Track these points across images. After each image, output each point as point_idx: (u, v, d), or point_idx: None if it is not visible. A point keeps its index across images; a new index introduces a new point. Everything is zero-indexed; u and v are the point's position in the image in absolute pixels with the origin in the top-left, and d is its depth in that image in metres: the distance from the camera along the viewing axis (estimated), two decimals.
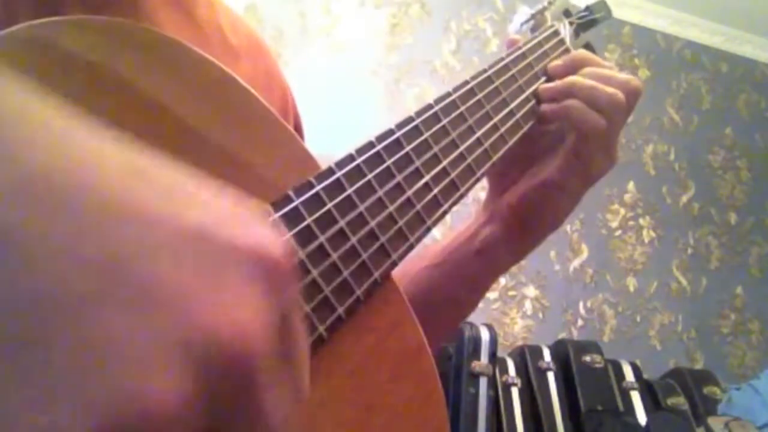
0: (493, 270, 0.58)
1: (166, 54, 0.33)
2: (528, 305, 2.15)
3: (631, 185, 2.43)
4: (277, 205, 0.34)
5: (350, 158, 0.39)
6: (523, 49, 0.56)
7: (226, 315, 0.19)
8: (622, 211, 2.40)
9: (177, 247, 0.19)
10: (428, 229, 0.42)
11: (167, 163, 0.21)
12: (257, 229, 0.22)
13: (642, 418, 1.69)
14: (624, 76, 0.53)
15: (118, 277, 0.17)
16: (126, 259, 0.18)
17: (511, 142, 0.51)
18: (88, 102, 0.30)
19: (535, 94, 0.55)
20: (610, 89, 0.51)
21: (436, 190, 0.43)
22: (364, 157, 0.39)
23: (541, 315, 2.16)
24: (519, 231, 0.56)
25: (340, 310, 0.35)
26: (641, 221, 2.42)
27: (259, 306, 0.20)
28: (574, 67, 0.55)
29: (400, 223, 0.40)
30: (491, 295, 2.08)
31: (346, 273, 0.36)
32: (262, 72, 0.52)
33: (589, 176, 0.54)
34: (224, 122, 0.35)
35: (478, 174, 0.47)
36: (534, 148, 0.56)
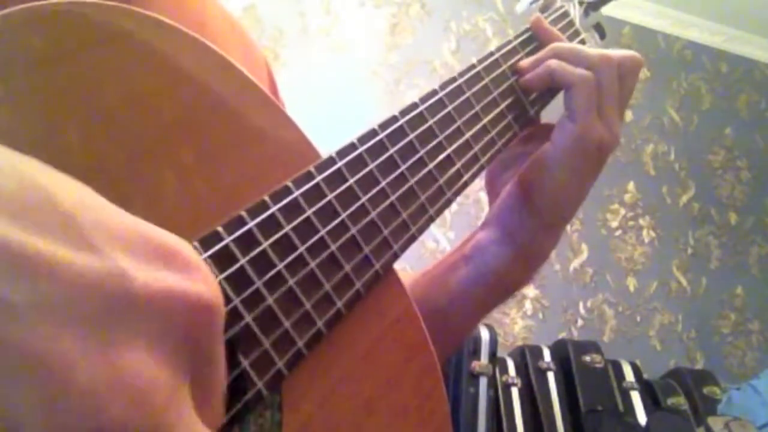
0: (482, 276, 0.51)
1: (162, 39, 0.32)
2: (528, 305, 2.15)
3: (631, 185, 2.43)
4: (276, 197, 0.33)
5: (352, 147, 0.37)
6: (533, 30, 0.54)
7: (114, 393, 0.16)
8: (622, 211, 2.39)
9: (63, 302, 0.16)
10: (431, 219, 0.41)
11: (70, 182, 0.18)
12: (177, 268, 0.19)
13: (642, 418, 1.68)
14: (618, 50, 0.50)
15: None
16: None
17: (517, 128, 0.49)
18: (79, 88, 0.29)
19: (516, 69, 0.51)
20: (594, 50, 0.48)
21: (440, 180, 0.42)
22: (366, 146, 0.38)
23: (541, 315, 2.16)
24: (515, 228, 0.50)
25: (340, 304, 0.34)
26: (641, 221, 2.42)
27: (164, 373, 0.18)
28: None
29: (401, 211, 0.39)
30: None
31: (345, 264, 0.35)
32: (250, 59, 0.52)
33: (585, 141, 0.47)
34: (227, 108, 0.34)
35: (483, 161, 0.46)
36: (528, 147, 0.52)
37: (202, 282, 0.20)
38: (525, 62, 0.52)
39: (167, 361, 0.18)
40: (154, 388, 0.17)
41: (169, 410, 0.18)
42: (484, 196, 2.36)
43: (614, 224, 2.37)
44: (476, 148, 0.46)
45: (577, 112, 0.47)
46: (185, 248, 0.20)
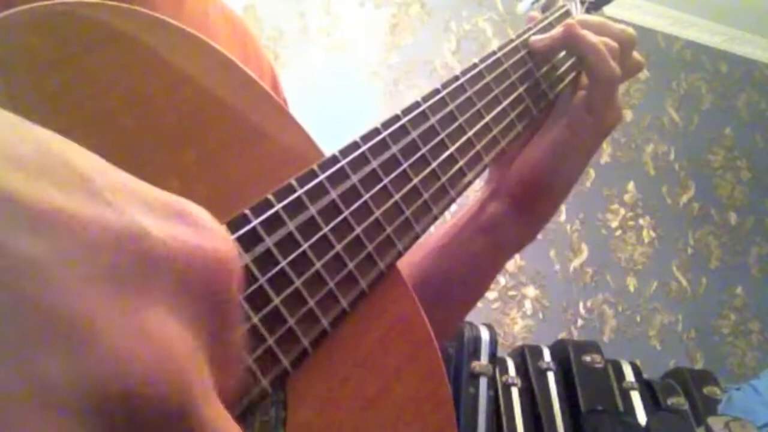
0: (500, 248, 0.55)
1: (163, 39, 0.32)
2: (528, 305, 2.15)
3: (631, 185, 2.43)
4: (279, 194, 0.33)
5: (355, 146, 0.37)
6: (534, 29, 0.54)
7: (138, 353, 0.16)
8: (622, 211, 2.39)
9: (84, 258, 0.16)
10: (435, 218, 0.41)
11: (85, 151, 0.18)
12: (194, 226, 0.19)
13: (642, 418, 1.69)
14: (616, 26, 0.54)
15: None
16: (5, 283, 0.14)
17: (520, 127, 0.49)
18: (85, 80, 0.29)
19: (527, 44, 0.53)
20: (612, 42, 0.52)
21: (443, 178, 0.42)
22: (369, 145, 0.38)
23: (541, 315, 2.16)
24: (528, 204, 0.53)
25: (344, 303, 0.34)
26: (641, 221, 2.42)
27: (184, 333, 0.18)
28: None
29: (405, 209, 0.39)
30: (491, 295, 2.08)
31: (349, 262, 0.35)
32: (252, 58, 0.52)
33: (600, 129, 0.52)
34: (229, 107, 0.34)
35: (486, 160, 0.46)
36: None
37: (219, 239, 0.20)
38: (535, 38, 0.54)
39: (189, 319, 0.18)
40: (178, 347, 0.17)
41: (192, 371, 0.17)
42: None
43: (614, 224, 2.37)
44: (479, 146, 0.46)
45: (598, 111, 0.51)
46: (201, 210, 0.20)
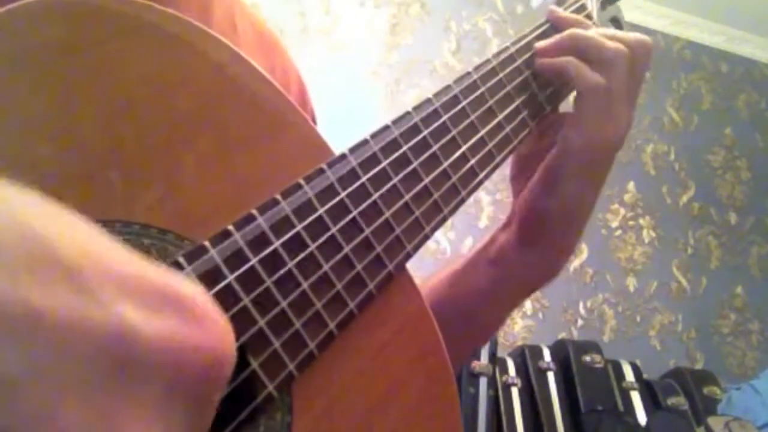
0: (507, 282, 0.51)
1: (184, 31, 0.32)
2: (528, 305, 2.14)
3: (631, 185, 2.43)
4: (288, 194, 0.33)
5: (365, 144, 0.37)
6: (548, 24, 0.53)
7: None
8: (622, 211, 2.39)
9: (65, 366, 0.15)
10: (444, 219, 0.40)
11: (71, 226, 0.17)
12: (190, 319, 0.18)
13: (642, 418, 1.69)
14: (630, 34, 0.49)
15: None
16: None
17: (532, 124, 0.49)
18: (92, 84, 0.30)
19: (532, 48, 0.50)
20: (611, 44, 0.47)
21: (454, 178, 0.41)
22: (380, 144, 0.37)
23: (541, 315, 2.15)
24: (529, 236, 0.50)
25: (352, 305, 0.34)
26: (641, 221, 2.42)
27: None
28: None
29: (415, 210, 0.38)
30: None
31: (357, 264, 0.34)
32: (279, 69, 0.51)
33: (597, 146, 0.47)
34: (245, 101, 0.34)
35: (498, 159, 0.45)
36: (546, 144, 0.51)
37: (216, 333, 0.19)
38: (542, 43, 0.50)
39: (177, 421, 0.17)
40: None
41: None
42: (485, 196, 2.36)
43: (614, 224, 2.37)
44: (491, 145, 0.45)
45: (584, 127, 0.47)
46: (198, 295, 0.19)
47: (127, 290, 0.17)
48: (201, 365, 0.18)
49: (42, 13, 0.28)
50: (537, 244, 0.50)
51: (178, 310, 0.18)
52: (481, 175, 0.43)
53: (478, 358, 1.59)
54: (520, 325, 2.12)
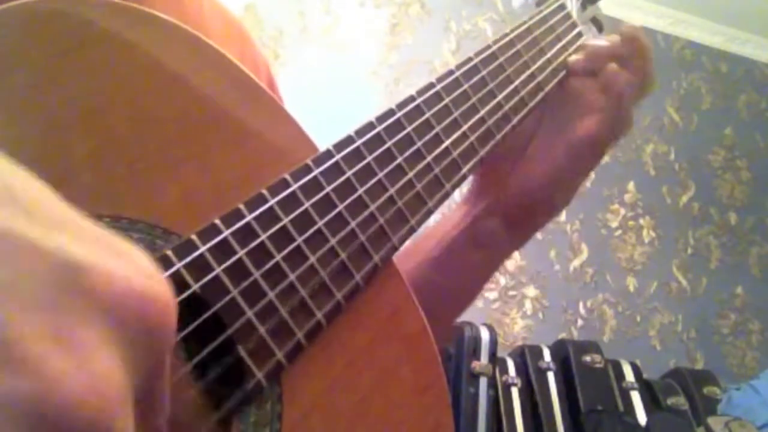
0: (494, 262, 0.56)
1: (153, 36, 0.32)
2: (528, 305, 2.15)
3: (631, 185, 2.43)
4: (274, 189, 0.33)
5: (349, 140, 0.38)
6: (529, 23, 0.54)
7: (71, 376, 0.16)
8: (622, 211, 2.39)
9: (22, 283, 0.16)
10: (430, 212, 0.41)
11: (32, 180, 0.19)
12: (132, 265, 0.19)
13: (642, 418, 1.68)
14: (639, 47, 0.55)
15: None
16: None
17: (515, 120, 0.49)
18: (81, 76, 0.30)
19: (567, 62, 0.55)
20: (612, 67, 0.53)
21: (437, 170, 0.42)
22: (363, 139, 0.38)
23: (541, 315, 2.16)
24: (523, 223, 0.54)
25: (339, 296, 0.34)
26: (641, 221, 2.42)
27: (116, 368, 0.18)
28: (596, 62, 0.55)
29: (399, 203, 0.39)
30: (491, 295, 2.08)
31: (343, 256, 0.35)
32: (248, 58, 0.53)
33: (614, 138, 0.53)
34: (227, 97, 0.34)
35: (482, 153, 0.46)
36: (520, 140, 0.54)
37: (157, 282, 0.20)
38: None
39: (121, 356, 0.18)
40: (109, 378, 0.17)
41: (119, 405, 0.17)
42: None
43: (614, 224, 2.37)
44: (472, 138, 0.45)
45: (604, 146, 0.52)
46: (142, 253, 0.20)
47: (78, 232, 0.18)
48: (144, 303, 0.19)
49: (6, 20, 0.28)
50: (527, 227, 0.55)
51: (122, 258, 0.19)
52: (465, 169, 0.44)
53: (478, 358, 1.59)
54: (520, 325, 2.12)
